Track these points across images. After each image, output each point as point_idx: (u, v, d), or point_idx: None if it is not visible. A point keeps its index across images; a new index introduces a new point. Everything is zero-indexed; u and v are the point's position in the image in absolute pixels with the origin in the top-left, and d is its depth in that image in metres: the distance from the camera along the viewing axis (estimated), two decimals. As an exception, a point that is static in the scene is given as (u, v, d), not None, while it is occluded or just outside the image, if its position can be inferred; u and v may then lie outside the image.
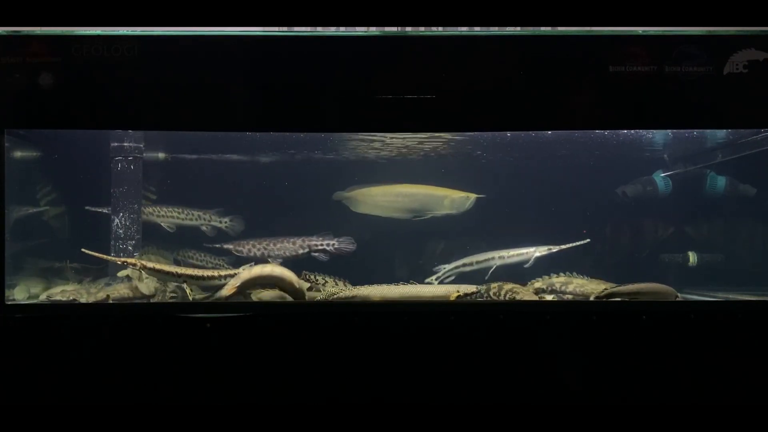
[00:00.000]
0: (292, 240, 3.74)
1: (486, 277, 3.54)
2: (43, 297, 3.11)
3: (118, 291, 3.16)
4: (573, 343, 2.71)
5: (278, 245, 3.73)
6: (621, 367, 2.70)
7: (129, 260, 3.19)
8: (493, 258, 3.59)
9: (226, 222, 3.83)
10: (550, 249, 3.52)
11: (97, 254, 3.20)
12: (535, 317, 2.72)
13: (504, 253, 3.59)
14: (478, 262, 3.62)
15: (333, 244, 3.73)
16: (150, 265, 3.17)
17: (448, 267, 3.67)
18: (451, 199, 3.79)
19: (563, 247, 3.50)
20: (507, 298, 3.13)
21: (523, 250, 3.57)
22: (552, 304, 3.06)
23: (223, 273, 3.19)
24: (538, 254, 3.52)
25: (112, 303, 3.04)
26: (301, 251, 3.72)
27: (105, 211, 3.57)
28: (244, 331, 2.67)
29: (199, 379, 2.66)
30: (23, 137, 3.18)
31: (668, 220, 4.10)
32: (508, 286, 3.27)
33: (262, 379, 2.67)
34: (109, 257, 3.27)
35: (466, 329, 2.70)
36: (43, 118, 2.73)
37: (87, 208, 3.63)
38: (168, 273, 3.17)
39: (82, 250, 3.17)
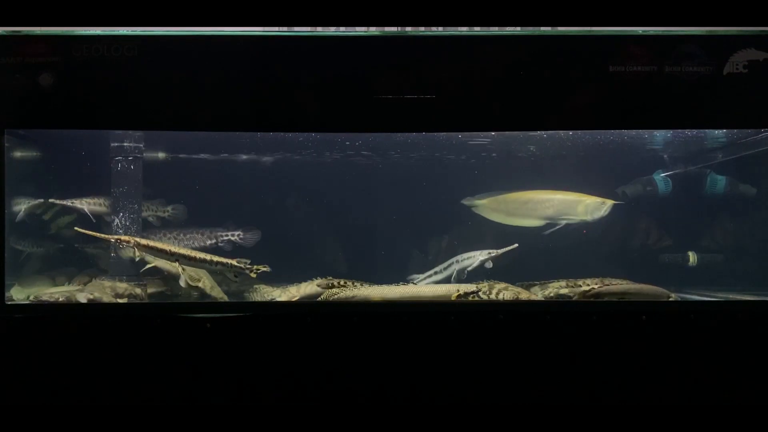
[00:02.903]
0: (200, 231, 3.79)
1: (452, 280, 3.59)
2: (31, 298, 3.07)
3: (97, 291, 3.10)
4: (573, 342, 2.71)
5: (187, 236, 3.78)
6: (621, 367, 2.70)
7: (123, 237, 3.17)
8: (452, 264, 3.67)
9: (168, 211, 3.84)
10: (490, 253, 3.59)
11: (90, 232, 3.19)
12: (535, 317, 2.72)
13: (458, 257, 3.67)
14: (444, 269, 3.70)
15: (239, 235, 3.81)
16: (144, 242, 3.15)
17: (421, 277, 3.72)
18: (585, 205, 3.71)
19: (500, 251, 3.57)
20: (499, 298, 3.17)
21: (471, 254, 3.64)
22: (552, 304, 3.06)
23: (215, 259, 3.21)
24: (481, 258, 3.58)
25: (112, 303, 3.03)
26: (208, 242, 3.78)
27: (69, 203, 3.57)
28: (244, 331, 2.67)
29: (199, 379, 2.66)
30: (23, 137, 3.17)
31: (668, 220, 4.09)
32: (501, 285, 3.31)
33: (262, 379, 2.67)
34: (103, 235, 3.23)
35: (466, 329, 2.70)
36: (43, 118, 2.73)
37: (51, 200, 3.63)
38: (162, 251, 3.16)
39: (75, 228, 3.19)
